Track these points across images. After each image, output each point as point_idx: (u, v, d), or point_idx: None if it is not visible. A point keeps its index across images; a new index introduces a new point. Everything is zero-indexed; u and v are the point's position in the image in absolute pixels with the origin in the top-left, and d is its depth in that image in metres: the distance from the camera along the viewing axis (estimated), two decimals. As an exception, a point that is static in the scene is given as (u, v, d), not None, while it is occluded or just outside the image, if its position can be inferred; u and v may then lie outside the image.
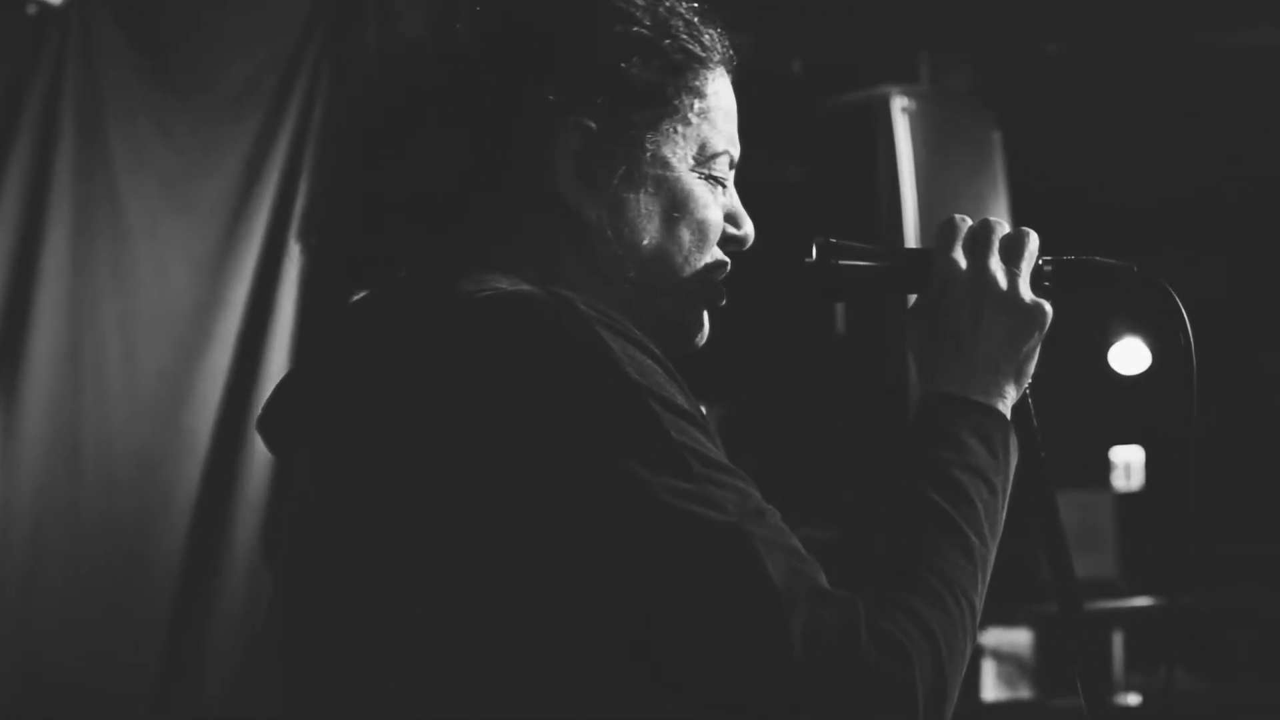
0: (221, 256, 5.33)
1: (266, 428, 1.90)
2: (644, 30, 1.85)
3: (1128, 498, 8.20)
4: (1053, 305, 1.87)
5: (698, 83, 1.87)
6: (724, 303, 1.92)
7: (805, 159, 5.73)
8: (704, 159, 1.86)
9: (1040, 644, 7.14)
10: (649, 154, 1.83)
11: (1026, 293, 1.85)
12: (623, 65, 1.83)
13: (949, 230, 1.88)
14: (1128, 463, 8.45)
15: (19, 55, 5.02)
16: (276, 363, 5.29)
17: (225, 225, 5.34)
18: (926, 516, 1.70)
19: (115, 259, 5.14)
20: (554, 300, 1.64)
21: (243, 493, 5.24)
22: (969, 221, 1.89)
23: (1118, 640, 7.29)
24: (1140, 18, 6.37)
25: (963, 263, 1.86)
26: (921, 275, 1.89)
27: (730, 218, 1.91)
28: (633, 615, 1.56)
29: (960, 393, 1.82)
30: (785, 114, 5.69)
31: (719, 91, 1.89)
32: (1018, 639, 7.12)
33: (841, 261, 1.91)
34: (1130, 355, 8.55)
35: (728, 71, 1.93)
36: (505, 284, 1.70)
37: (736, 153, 1.91)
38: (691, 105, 1.86)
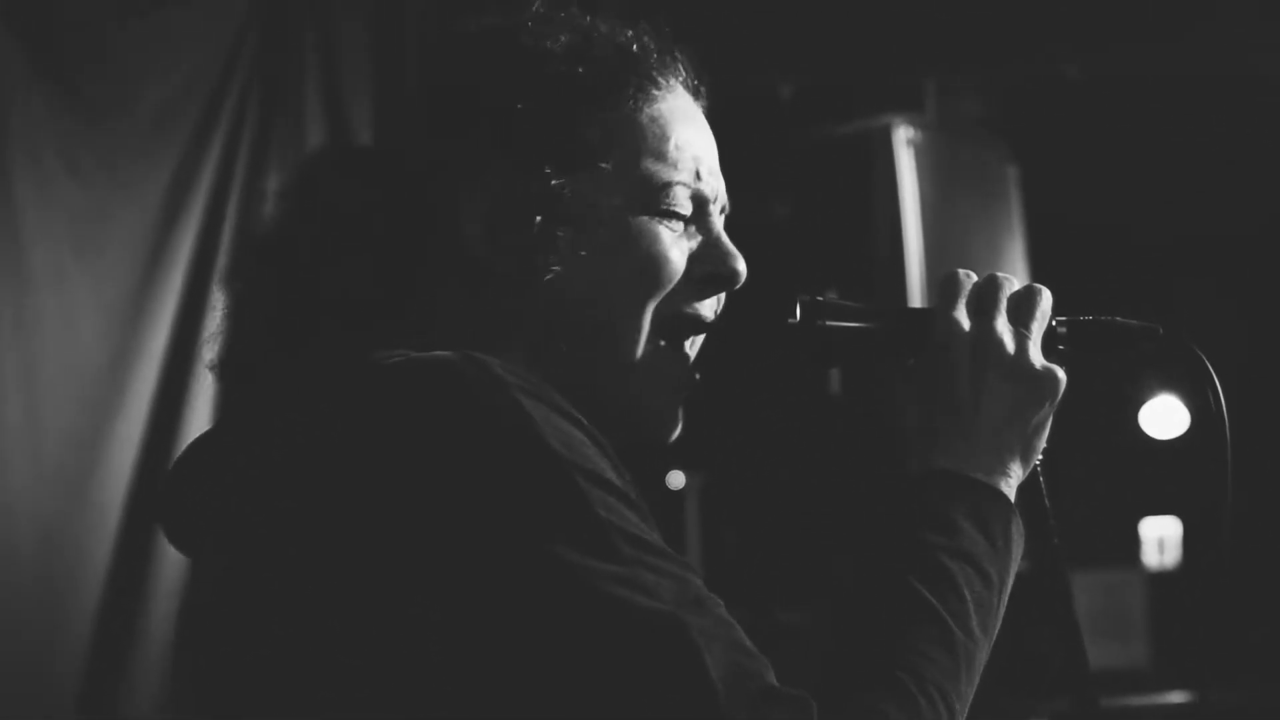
0: (137, 305, 5.31)
1: (169, 520, 1.91)
2: (552, 66, 1.87)
3: (1161, 577, 8.20)
4: (1068, 370, 1.87)
5: (627, 113, 1.88)
6: (695, 379, 1.92)
7: (793, 197, 5.73)
8: (648, 195, 1.87)
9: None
10: (568, 202, 1.84)
11: (1037, 357, 1.85)
12: (522, 112, 1.85)
13: (951, 286, 1.89)
14: (1161, 537, 8.45)
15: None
16: (198, 425, 5.27)
17: (141, 270, 5.32)
18: (906, 607, 1.70)
19: (17, 308, 5.11)
20: (466, 363, 1.64)
21: (159, 574, 5.21)
22: (973, 277, 1.89)
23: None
24: (1167, 39, 6.39)
25: (965, 323, 1.86)
26: (920, 337, 1.90)
27: (700, 257, 1.90)
28: (561, 711, 1.55)
29: (957, 469, 1.82)
30: (771, 145, 5.70)
31: (661, 116, 1.90)
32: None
33: (830, 323, 1.91)
34: (1164, 416, 8.54)
35: (693, 96, 1.96)
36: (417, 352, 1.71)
37: (708, 182, 1.91)
38: (620, 140, 1.87)
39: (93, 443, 5.23)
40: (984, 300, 1.87)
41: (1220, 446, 1.88)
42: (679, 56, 1.96)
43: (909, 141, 5.56)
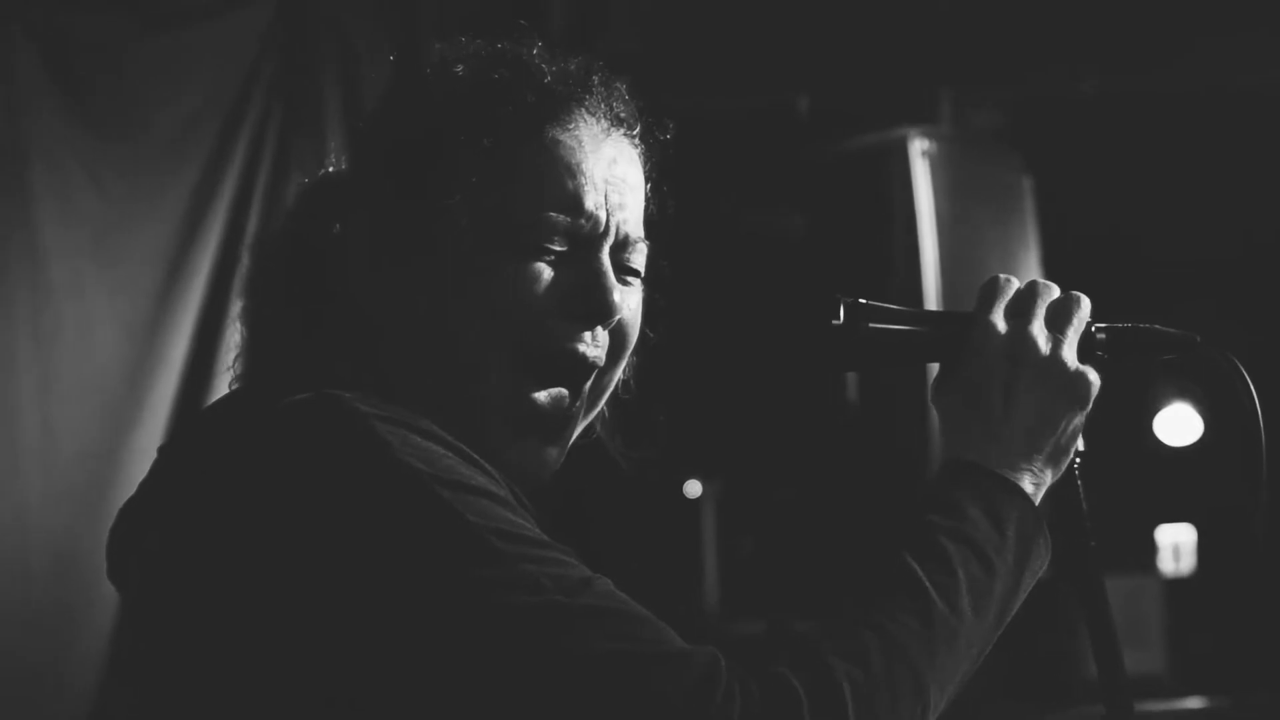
0: (156, 318, 5.31)
1: (110, 556, 1.99)
2: (442, 101, 1.89)
3: (1176, 584, 8.18)
4: (1103, 376, 1.87)
5: (514, 145, 1.87)
6: (567, 420, 1.91)
7: (810, 209, 5.72)
8: (521, 228, 1.85)
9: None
10: (441, 234, 1.84)
11: (1072, 361, 1.86)
12: (404, 145, 1.87)
13: (990, 290, 1.89)
14: (1176, 544, 8.43)
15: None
16: (216, 440, 5.26)
17: (160, 283, 5.32)
18: (891, 576, 1.73)
19: (35, 321, 5.11)
20: (322, 403, 1.69)
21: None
22: (1015, 283, 1.89)
23: (1166, 747, 7.26)
24: (1183, 53, 6.39)
25: (1002, 326, 1.85)
26: (959, 342, 1.90)
27: (574, 292, 1.87)
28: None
29: (979, 462, 1.82)
30: (788, 158, 5.69)
31: (551, 151, 1.88)
32: (1055, 745, 7.10)
33: (873, 325, 1.91)
34: (1179, 423, 8.52)
35: (611, 125, 1.93)
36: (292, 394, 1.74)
37: (594, 216, 1.88)
38: (501, 172, 1.85)
39: (110, 455, 5.22)
40: (1022, 304, 1.89)
41: (1256, 453, 1.88)
42: (600, 88, 1.94)
43: (924, 153, 5.55)
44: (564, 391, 1.89)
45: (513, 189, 1.85)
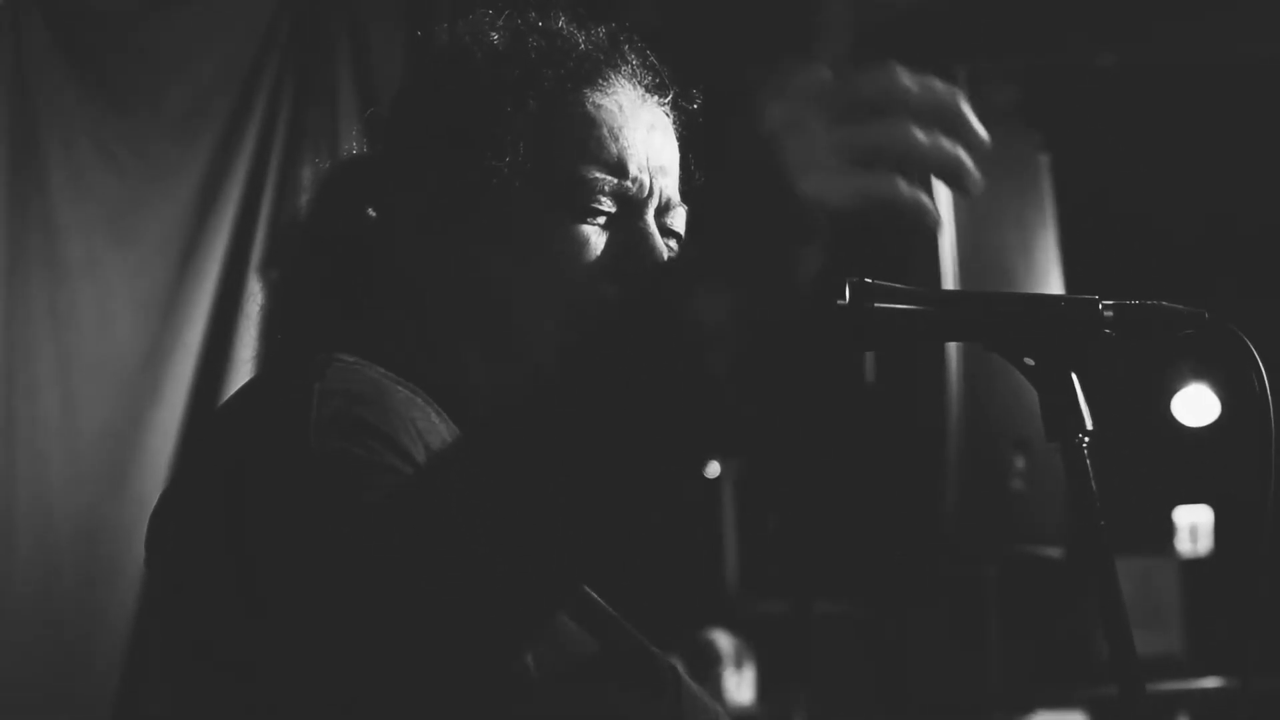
0: (173, 295, 5.30)
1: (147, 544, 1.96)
2: (478, 69, 1.90)
3: (1194, 565, 8.18)
4: (1114, 351, 1.86)
5: (555, 110, 1.88)
6: None
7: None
8: (568, 191, 1.86)
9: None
10: (489, 200, 1.86)
11: None
12: (446, 114, 1.89)
13: None
14: (1194, 525, 8.43)
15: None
16: (234, 416, 5.26)
17: (177, 260, 5.31)
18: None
19: (52, 299, 5.11)
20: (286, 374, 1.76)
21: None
22: None
23: (1184, 726, 7.25)
24: (1203, 26, 6.35)
25: None
26: (970, 321, 1.87)
27: (623, 253, 1.88)
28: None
29: None
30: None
31: (593, 116, 1.89)
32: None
33: (879, 304, 1.89)
34: (1196, 404, 8.52)
35: (646, 93, 1.96)
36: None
37: (638, 179, 1.89)
38: (545, 137, 1.87)
39: (130, 434, 5.22)
40: None
41: (1265, 431, 1.86)
42: (632, 56, 1.96)
43: (941, 130, 5.51)
44: None
45: (560, 153, 1.86)
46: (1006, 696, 7.02)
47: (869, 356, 5.42)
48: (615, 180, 1.87)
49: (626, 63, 1.95)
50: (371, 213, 1.93)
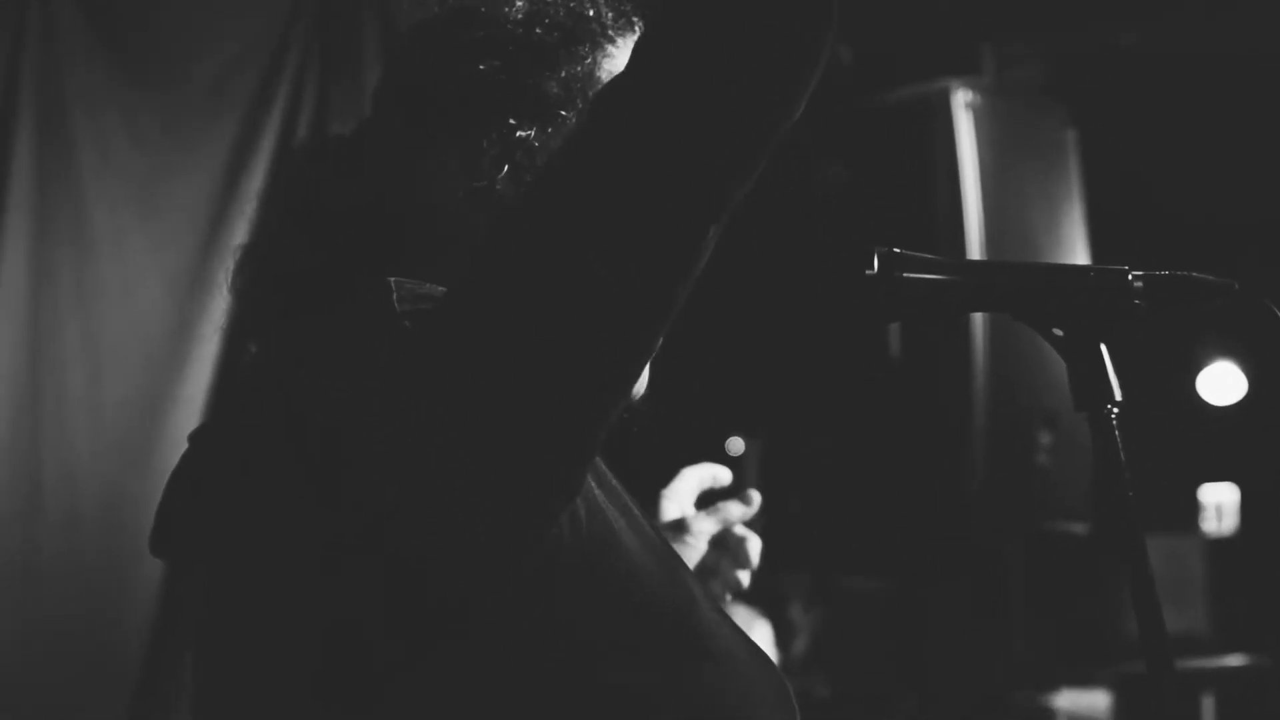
0: (199, 269, 5.30)
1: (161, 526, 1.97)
2: (510, 29, 1.94)
3: (1219, 544, 8.16)
4: (1145, 323, 1.85)
5: (585, 68, 1.93)
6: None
7: (853, 160, 5.68)
8: None
9: (1120, 707, 7.10)
10: (534, 153, 1.89)
11: None
12: (483, 71, 1.91)
13: None
14: (1219, 504, 8.41)
15: (-30, 43, 5.01)
16: (260, 389, 5.26)
17: (203, 234, 5.31)
18: None
19: (79, 272, 5.11)
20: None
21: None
22: None
23: (1208, 704, 7.24)
24: (1229, 6, 6.33)
25: None
26: (999, 291, 1.86)
27: None
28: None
29: None
30: (830, 109, 5.65)
31: (617, 70, 1.91)
32: (1095, 701, 7.08)
33: (908, 275, 1.88)
34: (1222, 382, 8.48)
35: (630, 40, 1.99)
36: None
37: None
38: (580, 93, 1.92)
39: (155, 408, 5.22)
40: None
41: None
42: (635, 19, 1.99)
43: (968, 105, 5.50)
44: None
45: None
46: (1029, 673, 7.01)
47: (895, 331, 5.41)
48: None
49: (632, 21, 1.99)
50: (412, 177, 1.94)
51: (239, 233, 5.34)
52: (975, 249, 5.29)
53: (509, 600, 1.67)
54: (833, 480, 5.64)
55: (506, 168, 1.88)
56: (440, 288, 1.76)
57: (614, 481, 1.91)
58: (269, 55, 5.49)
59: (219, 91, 5.40)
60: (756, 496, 2.42)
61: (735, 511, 2.41)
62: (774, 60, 1.63)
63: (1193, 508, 8.32)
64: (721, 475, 2.50)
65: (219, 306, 5.22)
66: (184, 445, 5.20)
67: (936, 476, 5.28)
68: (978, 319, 5.14)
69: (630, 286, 1.62)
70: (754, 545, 2.40)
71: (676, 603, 1.81)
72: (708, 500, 2.47)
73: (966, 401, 5.13)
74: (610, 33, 1.96)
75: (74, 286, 5.10)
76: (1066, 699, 6.90)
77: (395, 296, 1.71)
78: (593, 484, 1.79)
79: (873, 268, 1.87)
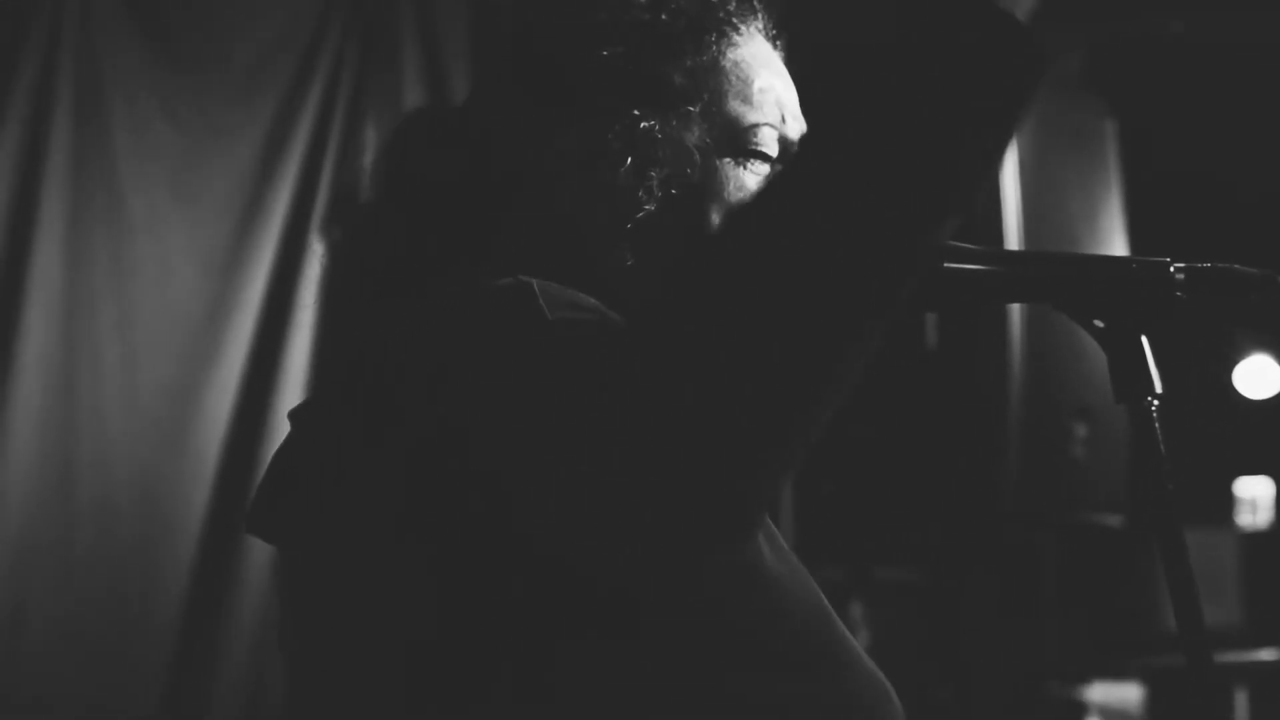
0: (234, 253, 5.31)
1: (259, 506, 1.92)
2: (635, 14, 1.90)
3: (1254, 537, 8.13)
4: (1182, 316, 1.84)
5: (710, 57, 1.91)
6: None
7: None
8: (733, 137, 1.89)
9: (1152, 700, 7.07)
10: (658, 144, 1.86)
11: None
12: (607, 56, 1.88)
13: None
14: (1254, 497, 8.38)
15: (8, 26, 5.01)
16: (295, 374, 5.26)
17: (238, 218, 5.32)
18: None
19: (114, 256, 5.12)
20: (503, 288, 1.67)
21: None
22: None
23: (1241, 699, 7.21)
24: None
25: None
26: (1040, 282, 1.86)
27: None
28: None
29: None
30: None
31: (744, 61, 1.93)
32: (1127, 695, 7.06)
33: (949, 264, 1.87)
34: (1259, 376, 8.46)
35: (765, 36, 1.98)
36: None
37: (791, 125, 1.93)
38: (706, 84, 1.89)
39: (190, 392, 5.22)
40: None
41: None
42: (758, 5, 1.99)
43: (1006, 95, 5.48)
44: None
45: (725, 100, 1.90)
46: (1062, 665, 6.99)
47: (931, 322, 5.40)
48: (777, 125, 1.91)
49: (756, 11, 1.98)
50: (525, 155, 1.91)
51: (274, 218, 5.35)
52: (1013, 239, 5.28)
53: (670, 602, 1.65)
54: (867, 470, 5.62)
55: (630, 160, 1.85)
56: (589, 298, 1.67)
57: None
58: (307, 39, 5.49)
59: (256, 76, 5.40)
60: None
61: None
62: (991, 119, 1.49)
63: (1227, 501, 8.29)
64: None
65: (254, 291, 5.25)
66: (218, 426, 5.18)
67: (971, 467, 5.27)
68: (1015, 310, 5.13)
69: (856, 315, 1.49)
70: None
71: (817, 611, 1.80)
72: None
73: (1002, 392, 5.12)
74: (735, 20, 1.94)
75: (109, 269, 5.11)
76: (1099, 691, 6.88)
77: (541, 300, 1.61)
78: None
79: None
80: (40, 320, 4.98)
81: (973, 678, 6.89)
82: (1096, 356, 1.89)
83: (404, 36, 5.64)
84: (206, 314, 5.27)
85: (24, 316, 4.95)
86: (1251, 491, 8.38)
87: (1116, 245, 5.55)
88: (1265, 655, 7.33)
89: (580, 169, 1.87)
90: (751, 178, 1.88)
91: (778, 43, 2.01)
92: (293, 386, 5.20)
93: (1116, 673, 6.92)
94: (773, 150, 1.90)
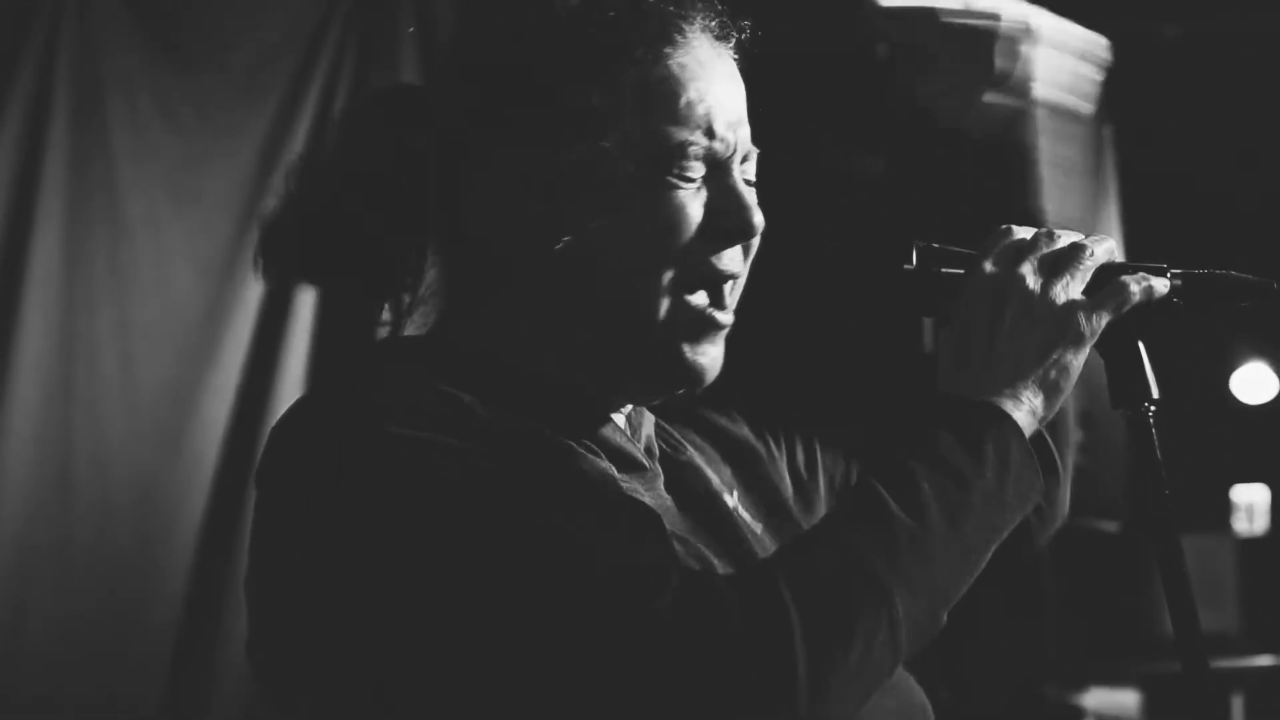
0: (232, 255, 5.31)
1: None
2: (557, 35, 1.85)
3: (1251, 543, 8.13)
4: (1179, 323, 1.84)
5: (637, 74, 1.84)
6: (726, 322, 1.88)
7: (888, 152, 5.67)
8: (659, 157, 1.82)
9: (1149, 706, 7.08)
10: (576, 171, 1.82)
11: (1062, 296, 1.83)
12: (531, 80, 1.84)
13: (989, 239, 1.88)
14: (1251, 504, 8.37)
15: (7, 27, 5.02)
16: (292, 376, 5.27)
17: (236, 220, 5.32)
18: (852, 499, 1.71)
19: (113, 257, 5.13)
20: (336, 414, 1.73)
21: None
22: (1018, 232, 1.89)
23: (1237, 704, 7.22)
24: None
25: (991, 269, 1.85)
26: None
27: (716, 211, 1.85)
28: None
29: (954, 393, 1.81)
30: (865, 101, 5.64)
31: (672, 76, 1.85)
32: (1124, 700, 7.06)
33: (945, 270, 1.87)
34: (1256, 382, 8.46)
35: (719, 42, 1.91)
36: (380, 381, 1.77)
37: (724, 137, 1.86)
38: (629, 103, 1.83)
39: (188, 393, 5.23)
40: (1015, 249, 1.86)
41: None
42: (701, 4, 1.91)
43: (1004, 100, 5.48)
44: (714, 299, 1.87)
45: (650, 119, 1.83)
46: (1060, 671, 7.00)
47: (928, 326, 5.40)
48: (705, 144, 1.84)
49: (697, 11, 1.90)
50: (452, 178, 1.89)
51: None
52: (1009, 244, 5.28)
53: None
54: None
55: (552, 187, 1.83)
56: (430, 420, 1.69)
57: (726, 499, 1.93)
58: (306, 42, 5.49)
59: (256, 76, 5.41)
60: None
61: None
62: None
63: (1224, 507, 8.29)
64: None
65: (252, 293, 5.25)
66: (216, 427, 5.17)
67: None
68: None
69: None
70: None
71: None
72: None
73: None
74: (671, 29, 1.87)
75: (107, 271, 5.11)
76: (1096, 697, 6.89)
77: (385, 403, 1.68)
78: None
79: (911, 262, 1.86)
80: (38, 322, 4.99)
81: (971, 683, 6.89)
82: (1093, 361, 1.89)
83: (402, 40, 5.64)
84: (205, 315, 5.27)
85: (21, 319, 4.96)
86: (1248, 498, 8.38)
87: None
88: (1262, 661, 7.33)
89: (492, 203, 1.85)
90: (679, 195, 1.82)
91: (730, 38, 1.93)
92: (290, 388, 5.20)
93: (1114, 678, 6.92)
94: (698, 170, 1.84)
